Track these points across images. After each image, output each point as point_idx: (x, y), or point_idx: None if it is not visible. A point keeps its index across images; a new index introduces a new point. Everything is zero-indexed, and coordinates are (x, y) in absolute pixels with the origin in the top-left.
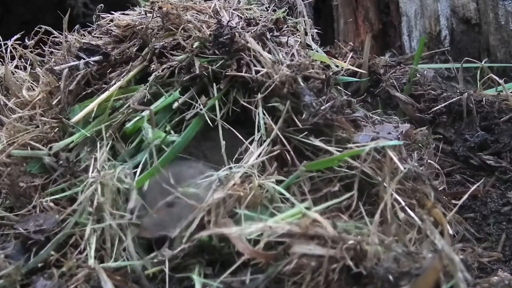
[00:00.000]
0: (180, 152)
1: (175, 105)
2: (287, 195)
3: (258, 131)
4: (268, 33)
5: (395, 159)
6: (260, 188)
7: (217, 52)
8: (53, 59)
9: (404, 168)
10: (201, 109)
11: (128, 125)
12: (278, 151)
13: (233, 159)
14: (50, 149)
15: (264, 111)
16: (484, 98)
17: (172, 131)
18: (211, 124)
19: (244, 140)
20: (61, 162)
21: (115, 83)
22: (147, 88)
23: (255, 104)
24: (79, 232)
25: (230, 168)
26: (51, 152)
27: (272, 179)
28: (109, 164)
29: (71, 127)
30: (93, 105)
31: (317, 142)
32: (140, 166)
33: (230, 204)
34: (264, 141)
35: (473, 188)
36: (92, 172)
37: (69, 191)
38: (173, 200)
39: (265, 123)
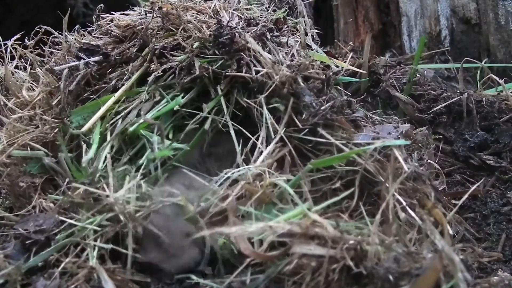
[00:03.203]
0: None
1: (176, 107)
2: (292, 193)
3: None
4: (268, 33)
5: (400, 159)
6: (270, 186)
7: (217, 52)
8: (53, 59)
9: (408, 169)
10: (207, 115)
11: (131, 129)
12: (287, 150)
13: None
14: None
15: (267, 111)
16: (484, 98)
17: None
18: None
19: (252, 138)
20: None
21: (115, 84)
22: (147, 90)
23: (256, 104)
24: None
25: (231, 173)
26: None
27: (284, 177)
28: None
29: (73, 131)
30: (100, 113)
31: (324, 134)
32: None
33: (243, 202)
34: (269, 140)
35: (473, 188)
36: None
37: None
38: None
39: (266, 123)
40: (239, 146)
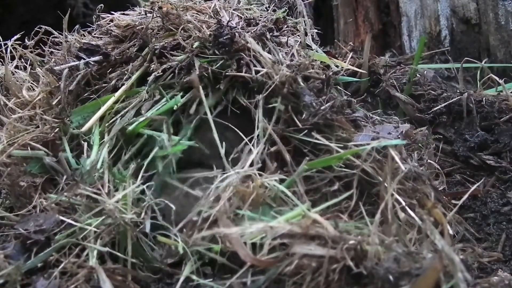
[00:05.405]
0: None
1: (174, 107)
2: (289, 194)
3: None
4: (268, 33)
5: (397, 159)
6: (262, 187)
7: (217, 52)
8: (53, 59)
9: (405, 168)
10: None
11: (130, 128)
12: (276, 150)
13: (231, 159)
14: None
15: (264, 111)
16: (484, 98)
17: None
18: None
19: (245, 139)
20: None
21: (115, 84)
22: (147, 89)
23: (255, 104)
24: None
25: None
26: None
27: (275, 177)
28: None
29: (73, 131)
30: (100, 112)
31: (319, 138)
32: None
33: (234, 204)
34: (260, 141)
35: (473, 188)
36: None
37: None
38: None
39: (262, 122)
40: (232, 147)
